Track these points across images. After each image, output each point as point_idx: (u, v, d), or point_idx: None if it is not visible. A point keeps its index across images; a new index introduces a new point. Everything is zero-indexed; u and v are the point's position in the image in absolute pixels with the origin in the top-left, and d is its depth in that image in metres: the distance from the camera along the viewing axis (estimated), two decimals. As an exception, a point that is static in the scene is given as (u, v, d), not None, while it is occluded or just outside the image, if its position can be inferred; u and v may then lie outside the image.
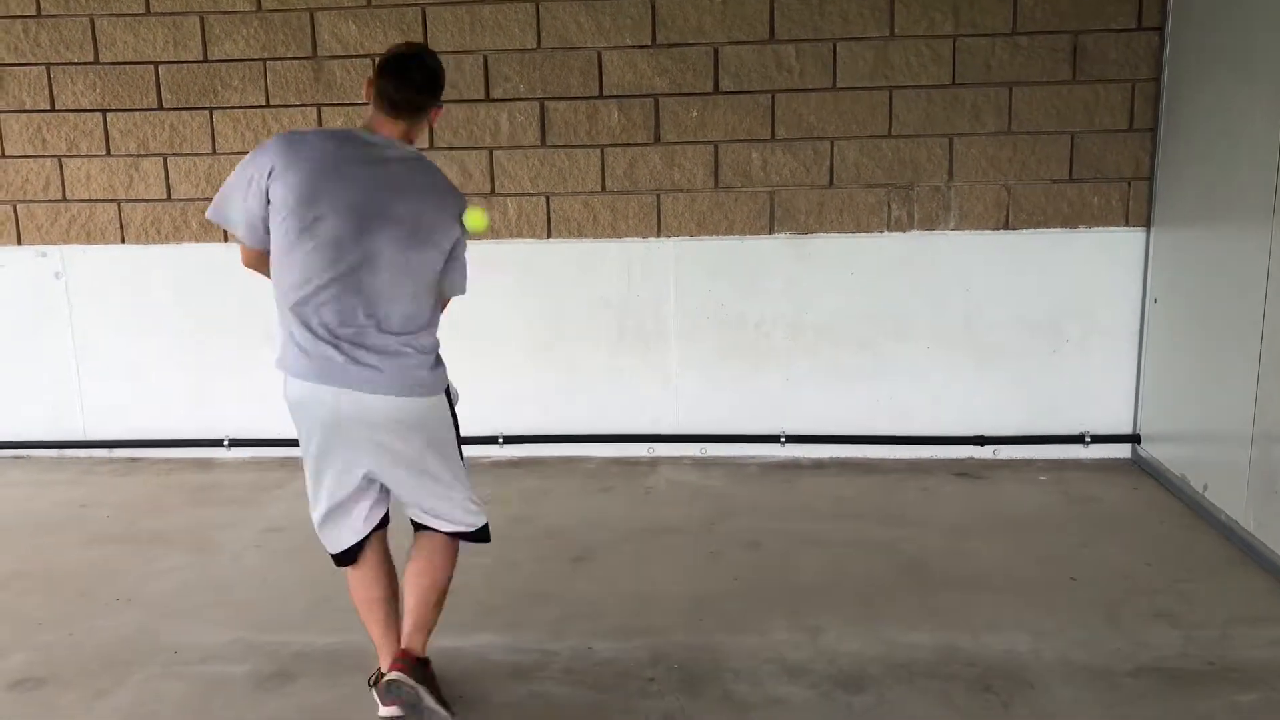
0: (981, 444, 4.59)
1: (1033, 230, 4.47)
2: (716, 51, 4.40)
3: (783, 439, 4.64)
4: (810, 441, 4.65)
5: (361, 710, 2.70)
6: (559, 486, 4.41)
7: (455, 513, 2.70)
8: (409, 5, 4.44)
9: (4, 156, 4.67)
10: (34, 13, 4.54)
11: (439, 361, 2.61)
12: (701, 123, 4.46)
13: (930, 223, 4.48)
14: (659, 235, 4.57)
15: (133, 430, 4.86)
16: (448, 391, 2.65)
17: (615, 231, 4.58)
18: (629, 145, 4.50)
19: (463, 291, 2.72)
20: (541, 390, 4.72)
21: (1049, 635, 3.01)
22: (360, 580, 2.67)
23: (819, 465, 4.60)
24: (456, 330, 4.62)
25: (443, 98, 2.64)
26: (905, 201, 4.47)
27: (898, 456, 4.63)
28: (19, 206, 4.72)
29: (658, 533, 3.88)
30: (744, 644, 2.99)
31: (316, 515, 2.60)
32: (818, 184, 4.49)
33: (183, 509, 4.25)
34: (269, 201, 2.40)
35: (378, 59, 2.55)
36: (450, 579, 2.75)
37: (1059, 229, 4.46)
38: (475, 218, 2.57)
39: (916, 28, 4.33)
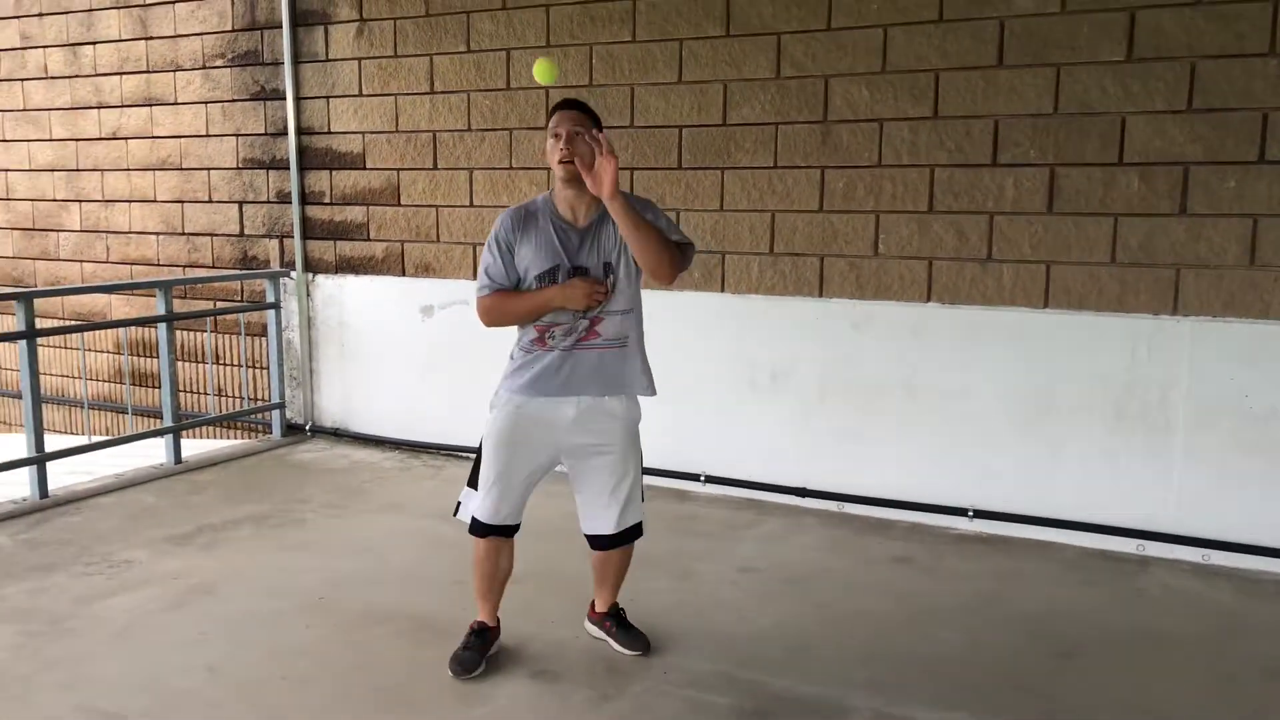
0: None
1: None
2: (1265, 118, 3.96)
3: (1311, 557, 4.03)
4: (1348, 565, 3.99)
5: (842, 767, 2.72)
6: (1034, 571, 4.17)
7: None
8: (921, 71, 4.49)
9: (549, 206, 5.39)
10: (587, 83, 5.20)
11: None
12: (1239, 194, 4.03)
13: None
14: (1174, 313, 4.19)
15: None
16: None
17: (1122, 305, 4.27)
18: (1148, 215, 4.19)
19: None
20: (1020, 466, 4.50)
21: None
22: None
23: (1357, 594, 3.92)
24: (930, 394, 4.61)
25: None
26: None
27: None
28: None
29: (1154, 641, 3.52)
30: (1273, 790, 2.62)
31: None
32: (1385, 268, 3.87)
33: (663, 536, 4.57)
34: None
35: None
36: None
37: None
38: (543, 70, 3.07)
39: None
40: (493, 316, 3.10)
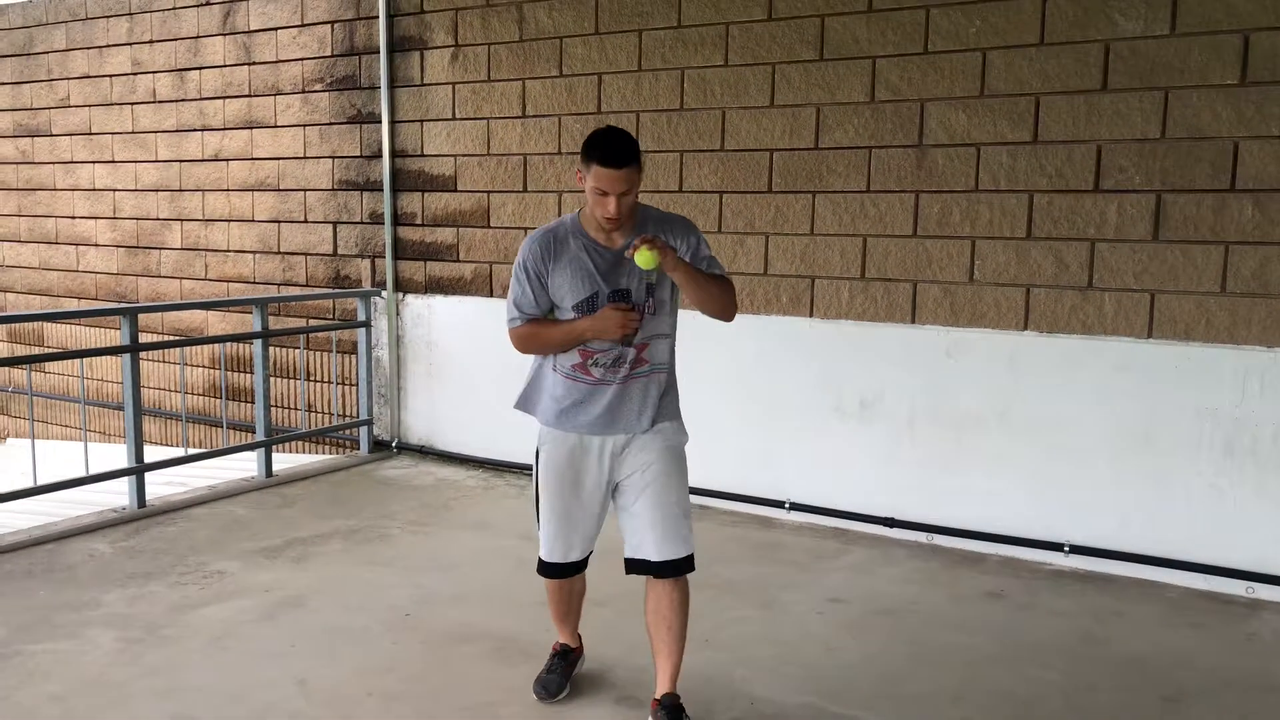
0: None
1: None
2: (1390, 141, 3.79)
3: None
4: None
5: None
6: (1135, 612, 4.01)
7: None
8: (1021, 95, 4.39)
9: (637, 229, 5.40)
10: (677, 106, 5.21)
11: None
12: (1361, 222, 3.86)
13: None
14: (1290, 347, 4.02)
15: (701, 479, 5.26)
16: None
17: (1232, 337, 4.11)
18: (1261, 244, 4.02)
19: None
20: (1121, 501, 4.34)
21: None
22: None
23: None
24: (1025, 424, 4.48)
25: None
26: None
27: None
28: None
29: (1267, 689, 3.35)
30: None
31: None
32: None
33: (747, 563, 4.51)
34: None
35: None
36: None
37: None
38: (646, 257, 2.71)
39: None
40: (527, 346, 2.96)
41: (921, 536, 4.77)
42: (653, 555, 2.91)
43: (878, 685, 3.32)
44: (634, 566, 2.96)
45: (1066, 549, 4.45)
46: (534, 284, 2.89)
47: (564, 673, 3.21)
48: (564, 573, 3.05)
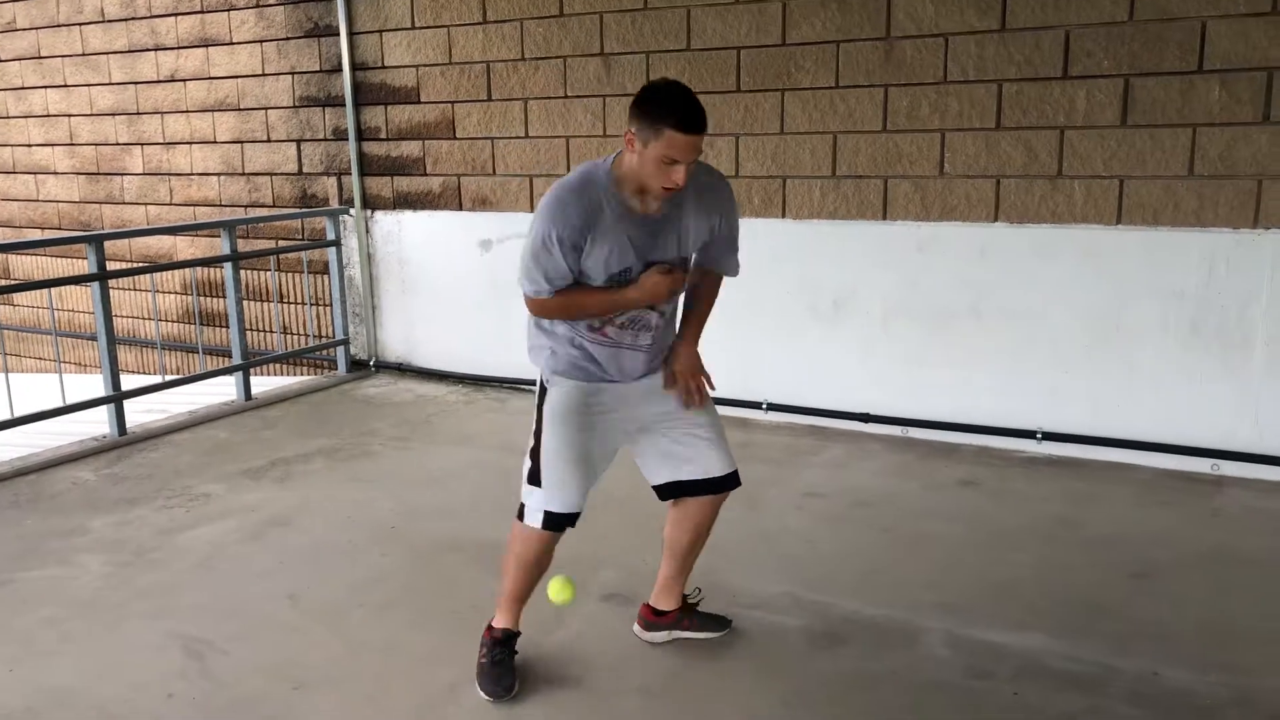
0: None
1: None
2: (1358, 15, 3.77)
3: (1397, 475, 3.92)
4: None
5: (915, 689, 2.73)
6: (1107, 493, 4.11)
7: None
8: (989, -19, 4.33)
9: (605, 136, 5.33)
10: (641, 6, 5.10)
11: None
12: (1328, 99, 3.86)
13: None
14: (1254, 226, 4.04)
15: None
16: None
17: (1199, 220, 4.13)
18: (1228, 125, 4.02)
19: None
20: (1092, 387, 4.42)
21: None
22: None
23: None
24: (997, 316, 4.52)
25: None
26: None
27: None
28: (612, 179, 5.37)
29: (1232, 561, 3.47)
30: (1359, 708, 2.58)
31: None
32: None
33: (728, 463, 4.58)
34: None
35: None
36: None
37: None
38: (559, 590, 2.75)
39: None
40: (555, 315, 2.63)
41: (897, 430, 4.84)
42: (718, 470, 2.78)
43: (856, 575, 3.41)
44: (701, 487, 2.79)
45: (1039, 436, 4.54)
46: (569, 257, 2.48)
47: (512, 662, 2.80)
48: (570, 524, 2.73)
